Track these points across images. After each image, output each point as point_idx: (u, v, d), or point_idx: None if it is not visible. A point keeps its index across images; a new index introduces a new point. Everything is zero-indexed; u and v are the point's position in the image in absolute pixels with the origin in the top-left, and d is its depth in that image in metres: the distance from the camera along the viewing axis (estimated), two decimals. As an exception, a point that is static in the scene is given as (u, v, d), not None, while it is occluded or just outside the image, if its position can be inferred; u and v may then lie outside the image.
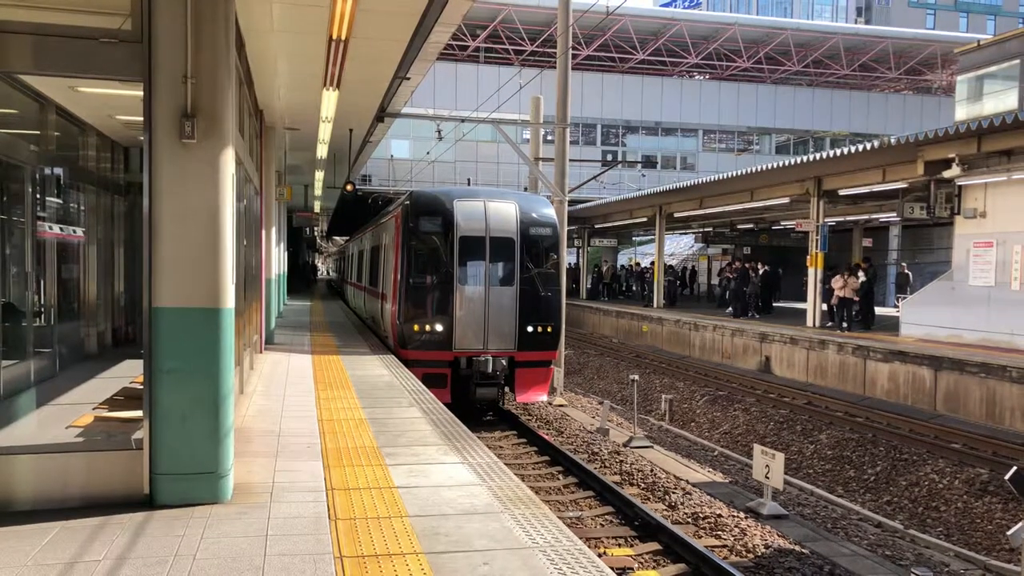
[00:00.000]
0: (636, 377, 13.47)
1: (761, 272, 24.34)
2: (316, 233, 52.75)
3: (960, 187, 15.55)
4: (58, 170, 8.48)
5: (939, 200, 16.06)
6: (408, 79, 11.31)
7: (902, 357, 14.84)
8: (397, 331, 12.78)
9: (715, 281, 33.94)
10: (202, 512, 4.67)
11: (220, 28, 4.81)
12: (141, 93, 4.75)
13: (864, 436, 12.90)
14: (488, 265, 12.58)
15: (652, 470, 10.00)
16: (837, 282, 19.42)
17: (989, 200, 15.16)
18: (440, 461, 6.08)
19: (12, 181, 7.11)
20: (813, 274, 19.84)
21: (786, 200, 20.93)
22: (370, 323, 17.97)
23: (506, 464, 6.49)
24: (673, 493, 8.91)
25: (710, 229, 33.44)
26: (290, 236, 33.75)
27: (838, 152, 16.32)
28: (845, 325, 18.99)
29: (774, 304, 26.04)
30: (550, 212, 13.43)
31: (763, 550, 7.28)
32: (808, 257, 19.99)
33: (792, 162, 18.00)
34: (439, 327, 12.44)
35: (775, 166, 18.61)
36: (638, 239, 47.40)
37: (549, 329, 12.89)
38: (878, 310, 21.24)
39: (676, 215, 27.42)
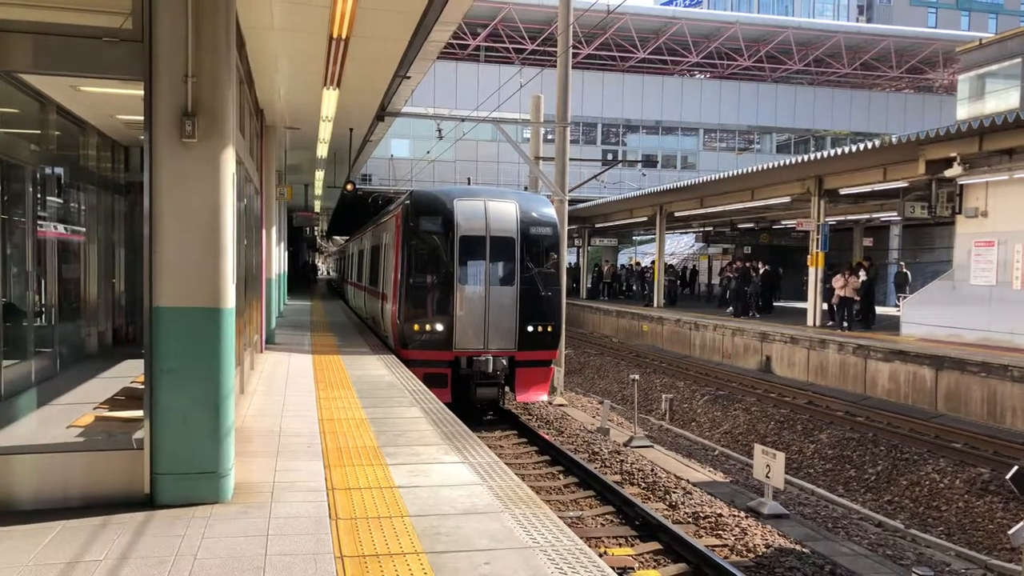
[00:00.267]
0: (636, 377, 13.49)
1: (762, 271, 24.31)
2: (316, 233, 52.74)
3: (961, 186, 15.52)
4: (59, 170, 8.48)
5: (940, 199, 16.05)
6: (408, 78, 11.31)
7: (903, 356, 14.83)
8: (397, 331, 12.77)
9: (715, 280, 33.91)
10: (203, 512, 4.67)
11: (221, 27, 4.81)
12: (142, 92, 4.74)
13: (865, 435, 12.89)
14: (488, 265, 12.57)
15: (652, 470, 9.99)
16: (838, 281, 19.40)
17: (990, 199, 15.15)
18: (441, 461, 6.08)
19: (13, 181, 7.11)
20: (814, 273, 19.81)
21: (787, 199, 20.91)
22: (370, 323, 17.95)
23: (506, 464, 6.47)
24: (673, 493, 8.91)
25: (711, 228, 33.37)
26: (290, 236, 33.76)
27: (839, 151, 16.29)
28: (846, 324, 18.97)
29: (775, 303, 26.01)
30: (550, 211, 13.43)
31: (764, 550, 7.27)
32: (809, 256, 19.97)
33: (793, 161, 17.98)
34: (439, 327, 12.43)
35: (776, 165, 18.59)
36: (638, 238, 47.37)
37: (549, 329, 12.89)
38: (879, 309, 21.23)
39: (676, 214, 27.41)
